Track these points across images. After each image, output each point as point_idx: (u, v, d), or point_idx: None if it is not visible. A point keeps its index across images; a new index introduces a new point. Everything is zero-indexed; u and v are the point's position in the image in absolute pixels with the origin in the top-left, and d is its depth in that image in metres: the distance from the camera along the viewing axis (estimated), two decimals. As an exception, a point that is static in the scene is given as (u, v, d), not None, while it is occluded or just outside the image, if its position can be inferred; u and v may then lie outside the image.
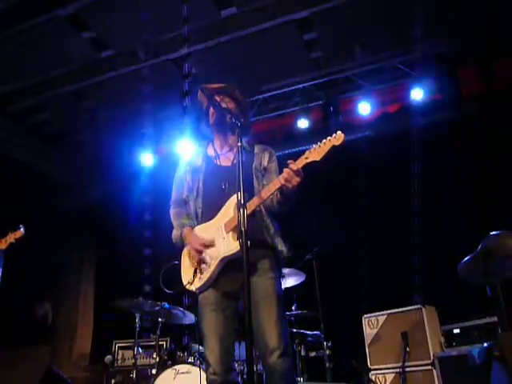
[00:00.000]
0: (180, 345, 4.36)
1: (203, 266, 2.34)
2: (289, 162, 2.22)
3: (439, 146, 4.79)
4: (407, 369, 3.73)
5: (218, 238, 2.33)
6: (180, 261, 2.47)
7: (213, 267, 2.30)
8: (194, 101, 5.54)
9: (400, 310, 4.03)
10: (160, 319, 4.03)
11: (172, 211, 2.60)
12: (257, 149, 2.58)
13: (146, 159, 6.17)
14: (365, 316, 4.19)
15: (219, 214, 2.37)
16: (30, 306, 6.24)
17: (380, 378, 3.96)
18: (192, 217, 2.49)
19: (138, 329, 4.03)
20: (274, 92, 5.64)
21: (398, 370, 3.79)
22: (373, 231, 4.61)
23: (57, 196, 6.67)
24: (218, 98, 2.50)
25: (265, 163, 2.53)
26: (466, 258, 2.72)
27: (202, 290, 2.34)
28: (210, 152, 2.60)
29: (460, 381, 3.41)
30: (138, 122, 6.05)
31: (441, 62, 5.13)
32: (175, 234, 2.50)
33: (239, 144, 2.10)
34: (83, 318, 6.65)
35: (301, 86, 5.56)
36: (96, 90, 5.49)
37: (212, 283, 2.33)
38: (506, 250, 2.50)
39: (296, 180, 2.21)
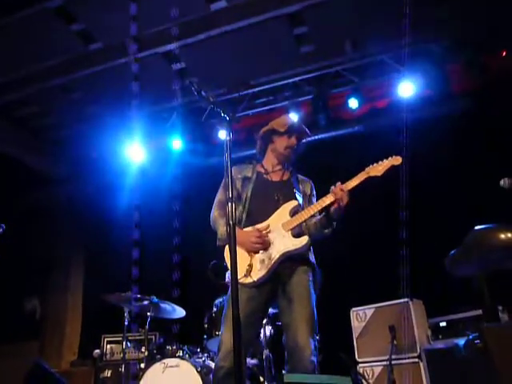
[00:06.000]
0: (169, 339, 4.37)
1: (261, 257, 2.53)
2: (338, 184, 2.53)
3: (428, 141, 4.83)
4: (394, 361, 3.77)
5: (276, 234, 2.56)
6: (221, 258, 2.64)
7: (274, 260, 2.50)
8: (183, 95, 5.54)
9: (387, 303, 4.07)
10: (149, 313, 4.03)
11: (216, 212, 2.76)
12: (300, 177, 2.91)
13: (135, 154, 6.14)
14: (353, 309, 4.22)
15: (272, 217, 2.63)
16: (19, 301, 6.21)
17: (367, 371, 4.00)
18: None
19: (126, 323, 4.02)
20: (264, 86, 5.64)
21: (385, 362, 3.83)
22: (360, 225, 4.64)
23: (45, 191, 6.63)
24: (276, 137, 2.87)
25: (308, 192, 2.84)
26: (453, 252, 2.75)
27: (260, 281, 2.51)
28: (260, 169, 2.88)
29: (446, 373, 3.46)
30: (127, 116, 6.02)
31: (430, 57, 5.15)
32: (223, 230, 2.64)
33: (228, 138, 2.19)
34: (72, 313, 6.63)
35: (290, 80, 5.56)
36: (84, 83, 5.45)
37: (270, 275, 2.52)
38: (491, 243, 2.54)
39: (344, 199, 2.48)
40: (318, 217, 2.65)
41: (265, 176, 2.83)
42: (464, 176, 4.77)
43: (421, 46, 5.06)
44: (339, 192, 2.50)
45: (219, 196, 2.82)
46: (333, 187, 2.55)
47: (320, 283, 2.69)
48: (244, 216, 2.70)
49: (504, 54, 4.78)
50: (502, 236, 2.44)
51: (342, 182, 2.56)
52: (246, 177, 2.82)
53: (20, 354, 5.38)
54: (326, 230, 2.65)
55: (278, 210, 2.64)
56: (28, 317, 6.27)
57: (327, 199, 2.56)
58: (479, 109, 4.99)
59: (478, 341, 2.24)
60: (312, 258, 2.67)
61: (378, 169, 2.55)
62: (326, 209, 2.57)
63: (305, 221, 2.60)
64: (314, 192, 2.87)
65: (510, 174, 2.48)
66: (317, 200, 2.75)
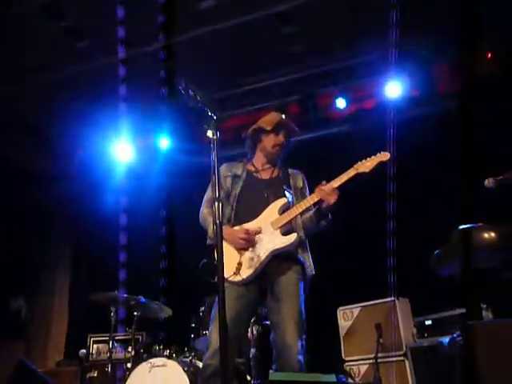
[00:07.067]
0: (156, 338, 4.36)
1: (250, 256, 2.53)
2: (323, 183, 2.55)
3: (415, 141, 4.87)
4: (380, 360, 3.81)
5: (265, 232, 2.57)
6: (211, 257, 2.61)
7: (263, 258, 2.52)
8: (171, 94, 5.52)
9: (374, 302, 4.10)
10: (136, 313, 4.01)
11: (205, 210, 2.78)
12: (290, 170, 2.91)
13: (124, 152, 6.10)
14: (340, 308, 4.25)
15: (261, 215, 2.63)
16: (4, 301, 6.14)
17: (354, 369, 4.03)
18: (225, 218, 2.66)
19: (113, 323, 4.00)
20: (252, 85, 5.64)
21: (371, 360, 3.86)
22: (347, 224, 4.66)
23: (32, 189, 6.55)
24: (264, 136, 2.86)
25: (300, 185, 2.85)
26: (437, 251, 2.78)
27: (249, 280, 2.53)
28: (250, 167, 2.88)
29: (431, 370, 3.51)
30: (115, 114, 5.98)
31: (417, 58, 5.19)
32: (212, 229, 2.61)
33: (215, 137, 2.18)
34: (58, 313, 6.59)
35: (279, 79, 5.57)
36: (73, 80, 5.40)
37: (258, 274, 2.53)
38: (475, 242, 2.57)
39: (332, 198, 2.50)
40: (312, 210, 2.67)
41: (254, 174, 2.84)
42: (449, 175, 4.82)
43: (408, 46, 5.10)
44: (323, 191, 2.52)
45: (208, 194, 2.81)
46: (320, 186, 2.57)
47: (310, 282, 2.70)
48: (233, 214, 2.71)
49: (489, 55, 4.84)
50: (486, 235, 2.47)
51: (328, 181, 2.58)
52: (235, 175, 2.83)
53: (5, 354, 5.32)
54: (322, 222, 2.68)
55: (267, 208, 2.65)
56: (13, 316, 6.21)
57: (311, 199, 2.59)
58: (465, 109, 5.03)
59: (461, 339, 2.27)
60: (302, 256, 2.68)
61: (366, 165, 2.58)
62: (317, 203, 2.59)
63: (293, 218, 2.62)
64: (306, 182, 2.90)
65: (494, 174, 2.51)
66: (309, 192, 2.80)
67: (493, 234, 2.44)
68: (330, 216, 2.67)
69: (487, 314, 2.95)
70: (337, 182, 2.56)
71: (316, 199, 2.56)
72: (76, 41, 4.94)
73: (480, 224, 2.62)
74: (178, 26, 4.74)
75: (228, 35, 4.85)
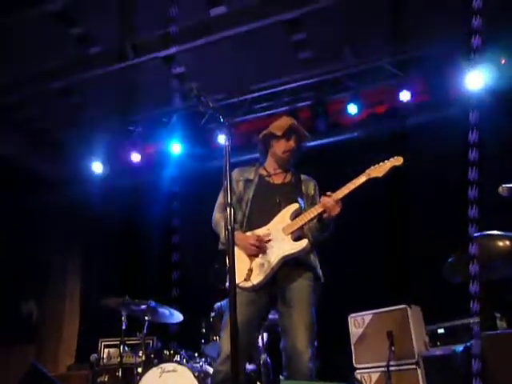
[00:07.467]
0: (166, 343, 4.36)
1: (261, 262, 2.53)
2: (328, 193, 2.54)
3: (425, 146, 4.84)
4: (392, 368, 3.76)
5: (276, 238, 2.56)
6: (223, 263, 2.60)
7: (274, 264, 2.51)
8: (182, 99, 5.55)
9: (386, 309, 4.06)
10: (146, 318, 4.02)
11: (218, 215, 2.77)
12: (303, 177, 2.90)
13: (134, 157, 6.14)
14: (351, 315, 4.21)
15: (273, 221, 2.62)
16: (15, 305, 6.19)
17: (365, 377, 3.99)
18: (237, 223, 2.68)
19: (124, 327, 4.01)
20: (263, 92, 5.65)
21: (383, 369, 3.82)
22: (359, 231, 4.64)
23: (43, 193, 6.61)
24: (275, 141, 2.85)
25: (311, 192, 2.83)
26: (450, 259, 2.76)
27: (260, 286, 2.52)
28: (262, 172, 2.87)
29: (444, 380, 3.46)
30: (126, 119, 6.03)
31: (429, 62, 5.17)
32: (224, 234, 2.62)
33: (227, 143, 2.19)
34: (69, 317, 6.62)
35: (289, 86, 5.57)
36: (83, 86, 5.45)
37: (269, 280, 2.52)
38: (489, 251, 2.54)
39: (335, 210, 2.48)
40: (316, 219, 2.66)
41: (266, 179, 2.83)
42: (463, 182, 4.78)
43: (419, 51, 5.08)
44: (328, 203, 2.51)
45: (220, 199, 2.81)
46: (323, 197, 2.55)
47: (321, 289, 2.68)
48: (245, 219, 2.70)
49: (503, 62, 4.79)
50: (500, 244, 2.44)
51: (339, 187, 2.56)
52: (247, 179, 2.82)
53: (16, 358, 5.36)
54: (325, 233, 2.66)
55: (279, 214, 2.64)
56: (25, 320, 6.25)
57: (316, 210, 2.57)
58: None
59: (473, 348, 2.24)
60: (313, 262, 2.66)
61: (379, 170, 2.55)
62: (320, 214, 2.58)
63: (304, 224, 2.60)
64: (318, 191, 2.88)
65: (508, 181, 2.48)
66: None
67: (507, 243, 2.42)
68: (332, 228, 2.64)
69: (501, 324, 2.91)
70: (343, 192, 2.53)
71: (320, 210, 2.54)
72: (87, 47, 4.98)
73: (494, 232, 2.60)
74: (189, 32, 4.77)
75: (239, 41, 4.86)
